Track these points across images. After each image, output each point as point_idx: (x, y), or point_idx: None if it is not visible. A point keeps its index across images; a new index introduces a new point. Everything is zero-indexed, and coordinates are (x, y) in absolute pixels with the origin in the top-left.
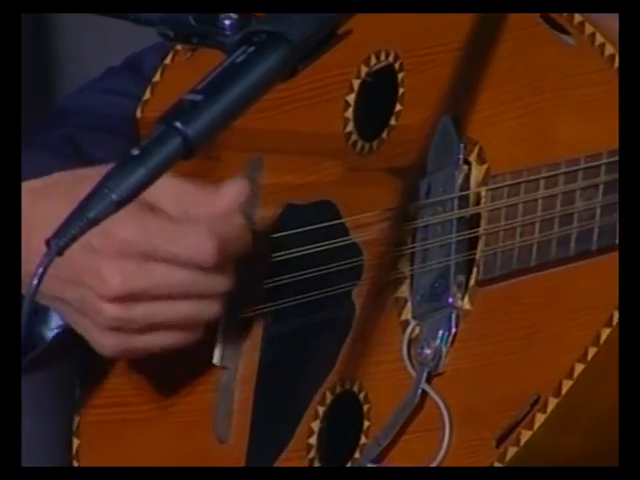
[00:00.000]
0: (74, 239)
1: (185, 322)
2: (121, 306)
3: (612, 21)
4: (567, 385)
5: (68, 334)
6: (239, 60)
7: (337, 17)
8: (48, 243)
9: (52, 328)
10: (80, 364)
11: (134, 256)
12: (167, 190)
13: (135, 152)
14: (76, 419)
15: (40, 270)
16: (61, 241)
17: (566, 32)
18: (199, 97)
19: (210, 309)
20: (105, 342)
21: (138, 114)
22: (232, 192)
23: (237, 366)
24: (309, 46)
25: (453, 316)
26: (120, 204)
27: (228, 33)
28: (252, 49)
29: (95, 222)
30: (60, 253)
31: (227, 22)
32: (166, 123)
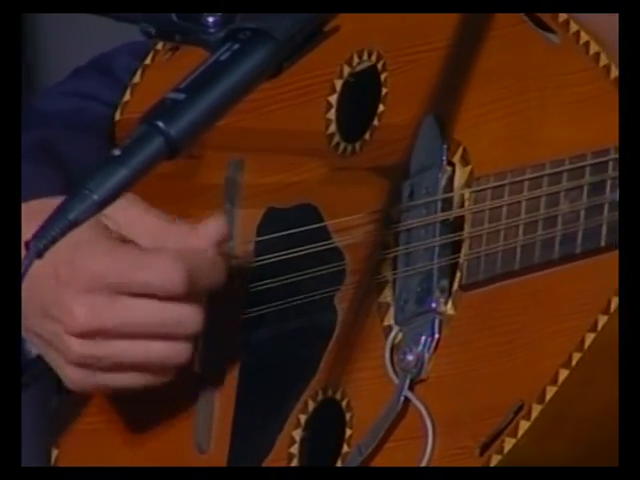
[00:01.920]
0: (54, 241)
1: (154, 364)
2: (89, 342)
3: (599, 20)
4: (551, 391)
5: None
6: (223, 58)
7: (324, 14)
8: (27, 245)
9: None
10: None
11: (103, 290)
12: (141, 224)
13: (116, 152)
14: (55, 429)
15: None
16: (41, 243)
17: (551, 30)
18: (182, 96)
19: (181, 352)
20: (73, 377)
21: (117, 116)
22: (208, 233)
23: (217, 374)
24: (295, 43)
25: (436, 321)
26: (101, 205)
27: (212, 30)
28: (236, 46)
29: (76, 223)
30: (40, 255)
31: (211, 19)
32: (148, 122)
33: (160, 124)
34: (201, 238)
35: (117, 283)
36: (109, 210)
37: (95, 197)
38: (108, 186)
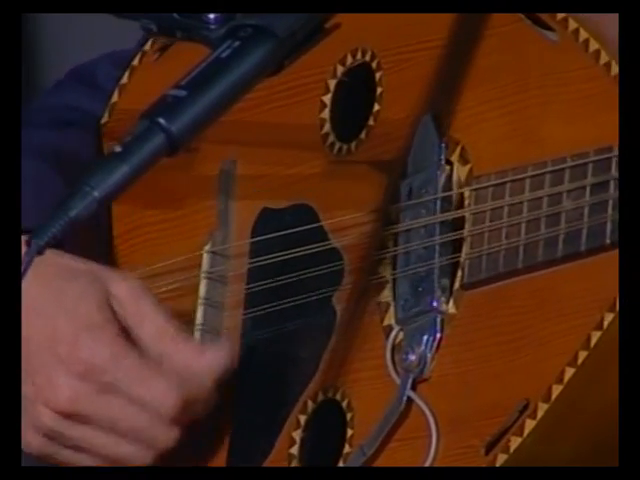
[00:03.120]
0: (55, 238)
1: (116, 459)
2: (60, 420)
3: (599, 19)
4: (557, 390)
5: None
6: (224, 55)
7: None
8: (28, 242)
9: None
10: None
11: (94, 383)
12: (149, 323)
13: (117, 149)
14: None
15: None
16: (41, 240)
17: (549, 28)
18: (183, 92)
19: (142, 458)
20: (31, 442)
21: (105, 117)
22: (212, 359)
23: None
24: (296, 40)
25: (438, 320)
26: (102, 202)
27: (213, 27)
28: (237, 43)
29: (76, 220)
30: (40, 252)
31: (212, 16)
32: (149, 119)
33: (161, 121)
34: (205, 366)
35: (111, 384)
36: (120, 294)
37: (96, 194)
38: (109, 183)
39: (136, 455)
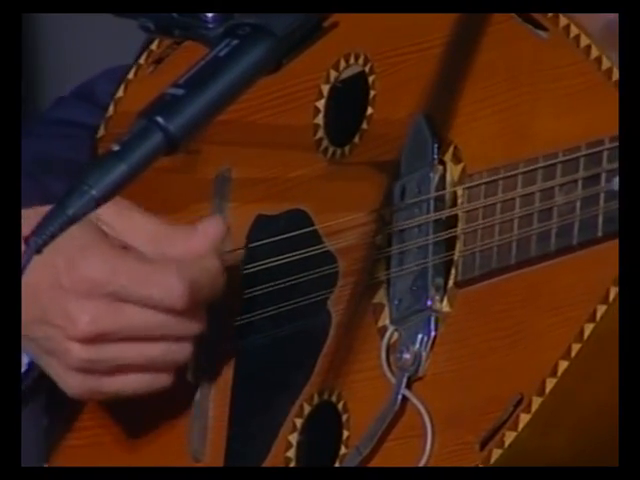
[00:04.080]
0: (53, 237)
1: (155, 365)
2: (89, 347)
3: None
4: (551, 383)
5: (35, 372)
6: (222, 53)
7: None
8: (27, 241)
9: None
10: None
11: (103, 296)
12: (142, 230)
13: (115, 148)
14: (46, 446)
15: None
16: (40, 239)
17: (540, 26)
18: (181, 91)
19: (181, 352)
20: (72, 383)
21: (101, 131)
22: (207, 233)
23: (211, 381)
24: (294, 39)
25: (432, 319)
26: (100, 201)
27: (211, 26)
28: (236, 42)
29: (74, 219)
30: (39, 251)
31: (210, 15)
32: (147, 118)
33: (159, 119)
34: (202, 240)
35: (118, 292)
36: (104, 217)
37: (94, 193)
38: (107, 182)
39: (172, 351)
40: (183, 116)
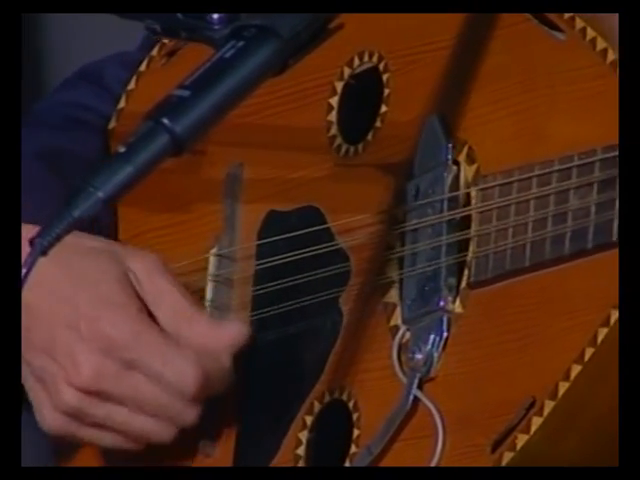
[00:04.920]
0: (59, 238)
1: (140, 436)
2: (84, 398)
3: (606, 17)
4: (564, 387)
5: None
6: (228, 55)
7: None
8: (32, 242)
9: None
10: None
11: (116, 359)
12: (166, 300)
13: (122, 149)
14: (52, 442)
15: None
16: (45, 240)
17: (556, 28)
18: (187, 93)
19: (166, 434)
20: (52, 421)
21: (113, 123)
22: (227, 335)
23: None
24: (300, 40)
25: (444, 320)
26: (106, 202)
27: (217, 27)
28: (241, 44)
29: (81, 221)
30: (44, 253)
31: (215, 16)
32: (153, 119)
33: (165, 121)
34: (219, 340)
35: (133, 360)
36: (137, 268)
37: (100, 194)
38: (113, 183)
39: (158, 432)
40: (189, 117)
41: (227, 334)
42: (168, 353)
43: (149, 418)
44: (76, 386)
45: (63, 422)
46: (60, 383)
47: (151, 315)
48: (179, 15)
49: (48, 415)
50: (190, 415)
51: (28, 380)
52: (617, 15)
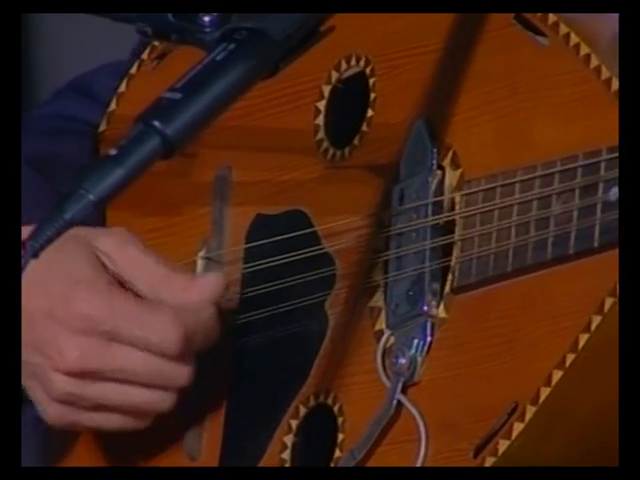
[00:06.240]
0: (50, 241)
1: (136, 410)
2: (74, 381)
3: (591, 22)
4: (545, 393)
5: None
6: (219, 58)
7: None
8: (24, 245)
9: None
10: None
11: (96, 334)
12: (140, 268)
13: (113, 152)
14: (45, 441)
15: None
16: (37, 243)
17: (540, 33)
18: (178, 95)
19: (164, 402)
20: (52, 413)
21: (103, 126)
22: (207, 287)
23: (208, 380)
24: (291, 43)
25: (428, 324)
26: (97, 205)
27: (208, 30)
28: (232, 46)
29: (72, 224)
30: (35, 255)
31: (207, 19)
32: (144, 122)
33: (156, 123)
34: (199, 293)
35: (112, 331)
36: (106, 247)
37: (91, 197)
38: (104, 186)
39: (155, 400)
40: (180, 120)
41: (205, 287)
42: (145, 317)
43: (143, 389)
44: (64, 371)
45: (62, 411)
46: (49, 372)
47: (128, 289)
48: (170, 17)
49: (47, 407)
50: (182, 375)
51: (26, 379)
52: (605, 20)
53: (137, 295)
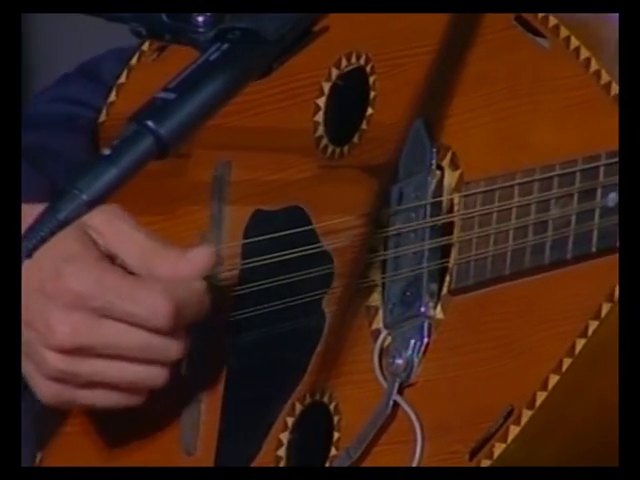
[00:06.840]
0: (43, 241)
1: (130, 386)
2: (67, 359)
3: (597, 23)
4: (541, 397)
5: None
6: (213, 57)
7: (313, 14)
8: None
9: None
10: None
11: (87, 310)
12: (131, 243)
13: (106, 152)
14: (39, 432)
15: None
16: (30, 243)
17: (541, 35)
18: (172, 95)
19: (158, 378)
20: (46, 391)
21: (103, 117)
22: (197, 260)
23: (204, 376)
24: (284, 43)
25: (425, 325)
26: (91, 205)
27: (201, 30)
28: (226, 46)
29: (65, 223)
30: (29, 255)
31: (200, 19)
32: (138, 122)
33: (150, 123)
34: (190, 266)
35: (102, 307)
36: (94, 223)
37: (84, 197)
38: (98, 186)
39: (148, 375)
40: (174, 120)
41: (195, 260)
42: (134, 291)
43: (136, 365)
44: (55, 348)
45: (56, 389)
46: (41, 350)
47: (118, 264)
48: (164, 17)
49: (41, 386)
50: (174, 349)
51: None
52: (613, 24)
53: (127, 270)
